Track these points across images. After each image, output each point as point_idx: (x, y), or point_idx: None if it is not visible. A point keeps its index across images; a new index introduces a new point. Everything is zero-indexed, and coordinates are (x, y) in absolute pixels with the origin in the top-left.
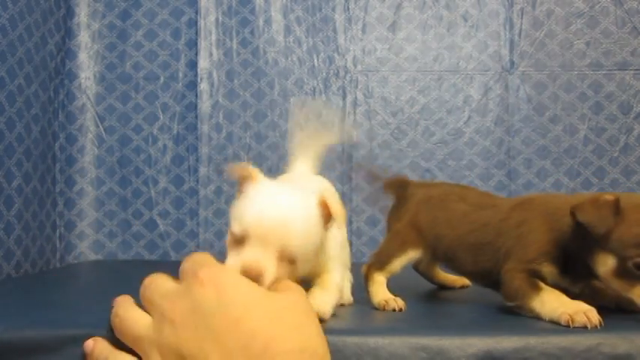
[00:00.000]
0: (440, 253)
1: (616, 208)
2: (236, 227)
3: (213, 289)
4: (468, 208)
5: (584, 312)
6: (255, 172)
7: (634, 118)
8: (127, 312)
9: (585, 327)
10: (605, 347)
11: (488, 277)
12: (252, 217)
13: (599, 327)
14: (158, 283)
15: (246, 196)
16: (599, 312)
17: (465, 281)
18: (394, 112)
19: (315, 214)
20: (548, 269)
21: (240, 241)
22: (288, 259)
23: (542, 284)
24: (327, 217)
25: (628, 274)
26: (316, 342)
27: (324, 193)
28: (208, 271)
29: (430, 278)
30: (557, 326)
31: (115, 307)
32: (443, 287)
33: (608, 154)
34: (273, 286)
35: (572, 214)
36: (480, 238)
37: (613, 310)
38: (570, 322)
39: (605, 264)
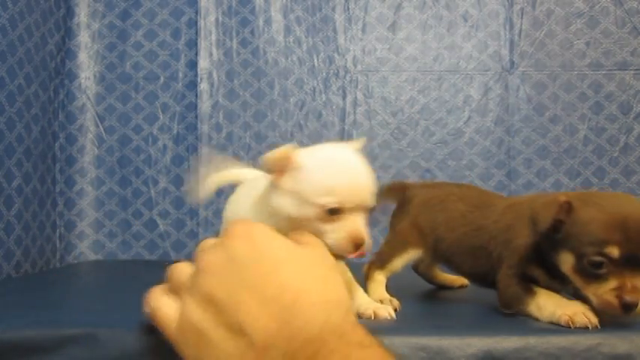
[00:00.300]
0: (440, 254)
1: (567, 209)
2: (328, 200)
3: (247, 242)
4: (466, 209)
5: (582, 312)
6: (293, 148)
7: (634, 118)
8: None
9: (586, 327)
10: (605, 347)
11: (486, 279)
12: (346, 187)
13: (599, 327)
14: (209, 246)
15: (313, 169)
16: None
17: (464, 281)
18: (394, 112)
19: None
20: (537, 272)
21: (333, 212)
22: (367, 215)
23: (536, 288)
24: None
25: (584, 272)
26: (341, 293)
27: (356, 144)
28: (243, 226)
29: (429, 279)
30: (557, 326)
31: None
32: (442, 287)
33: (608, 154)
34: (296, 239)
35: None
36: (475, 241)
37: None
38: (571, 324)
39: (566, 262)
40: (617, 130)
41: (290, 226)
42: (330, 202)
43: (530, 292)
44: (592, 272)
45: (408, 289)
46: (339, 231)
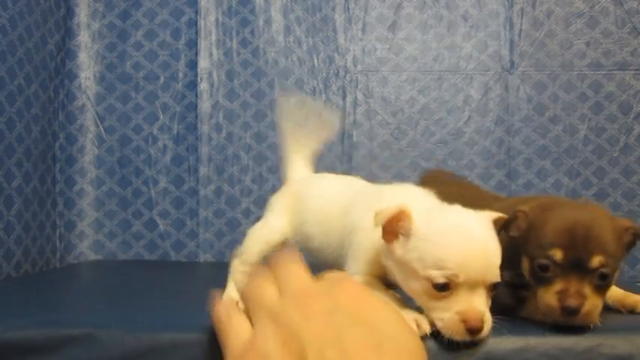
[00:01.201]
0: None
1: (526, 219)
2: (436, 274)
3: (355, 301)
4: None
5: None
6: (406, 209)
7: (634, 118)
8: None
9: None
10: (605, 348)
11: None
12: (459, 260)
13: (599, 324)
14: (294, 269)
15: (424, 237)
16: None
17: None
18: (394, 112)
19: (495, 236)
20: (523, 277)
21: (442, 288)
22: (492, 290)
23: (526, 294)
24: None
25: (535, 276)
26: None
27: (493, 214)
28: (354, 283)
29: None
30: (558, 327)
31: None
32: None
33: (608, 154)
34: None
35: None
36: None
37: (613, 311)
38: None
39: (525, 267)
40: (617, 130)
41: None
42: (438, 276)
43: (521, 300)
44: (540, 275)
45: None
46: (449, 310)
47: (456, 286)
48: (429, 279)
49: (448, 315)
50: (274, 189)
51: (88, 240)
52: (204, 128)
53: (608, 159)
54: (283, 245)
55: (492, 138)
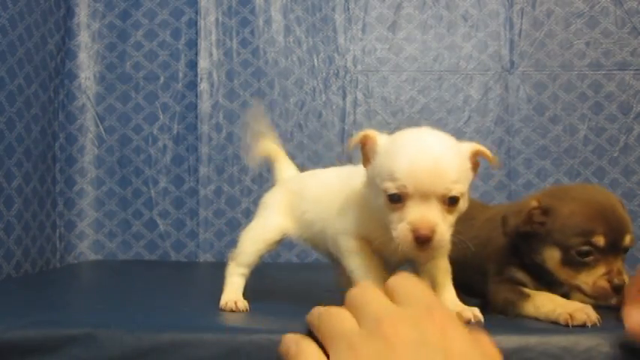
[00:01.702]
0: None
1: (543, 211)
2: (388, 186)
3: (442, 334)
4: None
5: (582, 309)
6: (370, 132)
7: (634, 118)
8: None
9: (585, 325)
10: (605, 347)
11: (472, 289)
12: (406, 172)
13: (598, 324)
14: (373, 295)
15: (381, 155)
16: (599, 312)
17: None
18: (394, 112)
19: (464, 156)
20: (521, 275)
21: (395, 199)
22: (449, 204)
23: (529, 290)
24: (475, 167)
25: (572, 263)
26: None
27: (476, 145)
28: (442, 313)
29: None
30: (558, 326)
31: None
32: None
33: (608, 154)
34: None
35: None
36: (458, 255)
37: (612, 310)
38: (570, 321)
39: (552, 257)
40: (617, 130)
41: (380, 220)
42: (391, 187)
43: (524, 295)
44: (580, 261)
45: None
46: (401, 220)
47: (407, 197)
48: (385, 191)
49: (401, 225)
50: None
51: (88, 240)
52: (204, 128)
53: (608, 159)
54: (280, 244)
55: (492, 138)
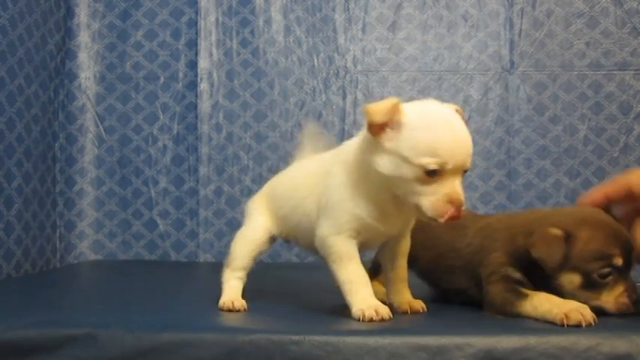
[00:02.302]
0: (417, 271)
1: (565, 238)
2: (429, 161)
3: None
4: (441, 230)
5: (577, 309)
6: (398, 102)
7: (634, 119)
8: None
9: (580, 324)
10: (604, 347)
11: (464, 295)
12: (448, 149)
13: (593, 324)
14: None
15: (416, 128)
16: (597, 313)
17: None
18: None
19: None
20: (517, 275)
21: (432, 173)
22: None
23: (526, 290)
24: None
25: (593, 285)
26: None
27: (456, 107)
28: None
29: None
30: (557, 326)
31: None
32: None
33: (608, 154)
34: None
35: (528, 251)
36: (450, 262)
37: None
38: (565, 320)
39: (572, 282)
40: (617, 130)
41: (385, 187)
42: (432, 163)
43: (522, 295)
44: (601, 283)
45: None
46: (437, 193)
47: (443, 172)
48: (421, 166)
49: (436, 197)
50: None
51: (88, 240)
52: (204, 128)
53: (608, 159)
54: (272, 243)
55: (492, 138)
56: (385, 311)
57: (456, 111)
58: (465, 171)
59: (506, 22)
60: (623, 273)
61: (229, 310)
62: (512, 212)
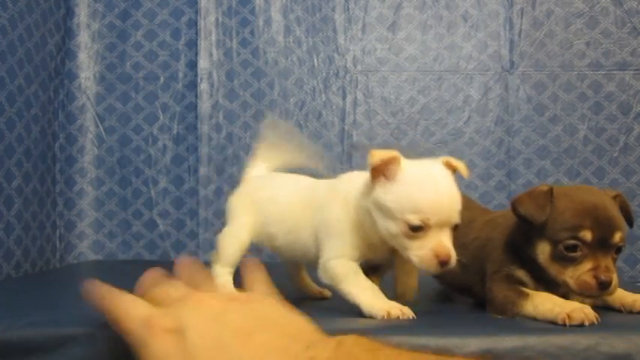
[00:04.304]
0: None
1: (550, 196)
2: (412, 218)
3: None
4: None
5: (580, 309)
6: (399, 156)
7: (634, 118)
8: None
9: (582, 324)
10: (603, 346)
11: (470, 291)
12: (431, 205)
13: (596, 323)
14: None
15: (402, 185)
16: (598, 311)
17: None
18: (394, 112)
19: (455, 184)
20: (521, 273)
21: (416, 229)
22: (453, 230)
23: (528, 290)
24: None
25: (561, 258)
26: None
27: (447, 160)
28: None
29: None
30: (557, 326)
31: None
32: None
33: (608, 154)
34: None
35: (513, 207)
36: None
37: (611, 310)
38: (567, 320)
39: (543, 251)
40: (617, 130)
41: (375, 234)
42: (414, 219)
43: (524, 294)
44: (567, 256)
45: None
46: (423, 247)
47: (428, 227)
48: (406, 221)
49: (423, 252)
50: None
51: (88, 240)
52: (204, 128)
53: (608, 159)
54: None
55: (492, 138)
56: (409, 311)
57: (453, 167)
58: (456, 226)
59: (506, 22)
60: (594, 251)
61: None
62: None
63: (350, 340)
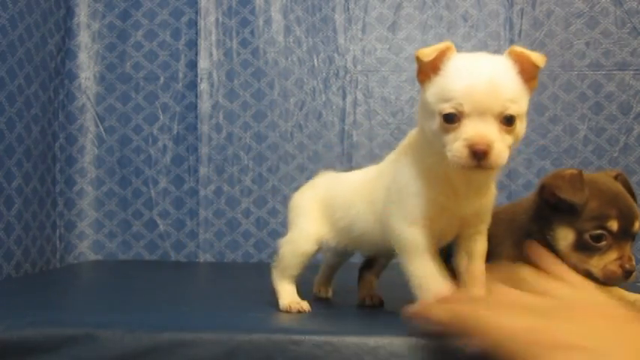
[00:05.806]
0: None
1: (583, 179)
2: (445, 107)
3: None
4: None
5: None
6: (452, 45)
7: (634, 118)
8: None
9: None
10: None
11: None
12: (462, 92)
13: None
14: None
15: (442, 76)
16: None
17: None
18: (394, 112)
19: (513, 71)
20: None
21: (449, 119)
22: (506, 124)
23: None
24: (527, 71)
25: (585, 247)
26: None
27: (513, 47)
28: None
29: None
30: None
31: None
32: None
33: (608, 154)
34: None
35: (547, 192)
36: None
37: None
38: None
39: (566, 238)
40: (617, 130)
41: (443, 157)
42: (446, 107)
43: None
44: (593, 246)
45: (408, 289)
46: (457, 139)
47: (463, 116)
48: (440, 112)
49: (456, 143)
50: (274, 189)
51: (88, 240)
52: (204, 128)
53: (608, 159)
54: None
55: None
56: None
57: (521, 57)
58: (505, 117)
59: (506, 23)
60: (618, 240)
61: (298, 312)
62: (516, 200)
63: None
